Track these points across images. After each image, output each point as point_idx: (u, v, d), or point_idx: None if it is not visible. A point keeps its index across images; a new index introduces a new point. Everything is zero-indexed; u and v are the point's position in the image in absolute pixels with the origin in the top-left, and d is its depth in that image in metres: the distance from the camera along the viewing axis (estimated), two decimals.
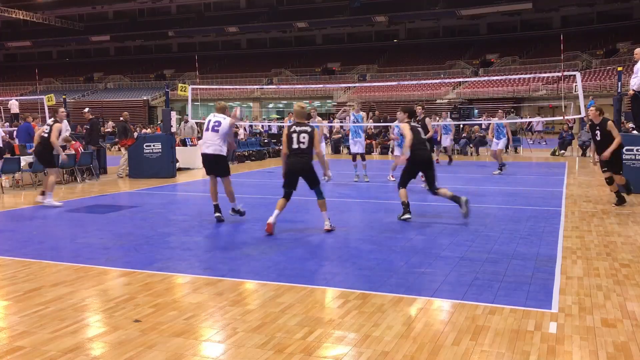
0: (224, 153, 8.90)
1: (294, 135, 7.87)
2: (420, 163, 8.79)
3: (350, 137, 14.78)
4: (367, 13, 58.23)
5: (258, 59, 63.39)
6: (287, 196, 7.95)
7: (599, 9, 54.11)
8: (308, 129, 7.92)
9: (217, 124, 8.83)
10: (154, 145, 15.35)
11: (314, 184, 7.97)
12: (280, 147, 17.73)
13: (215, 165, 8.85)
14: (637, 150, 11.57)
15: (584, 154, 21.91)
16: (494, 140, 16.11)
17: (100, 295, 5.21)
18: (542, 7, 54.22)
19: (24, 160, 13.55)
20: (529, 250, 6.71)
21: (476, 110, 36.14)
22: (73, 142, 15.18)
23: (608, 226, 8.16)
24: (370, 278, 5.64)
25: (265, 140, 24.26)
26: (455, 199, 8.53)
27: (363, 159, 14.12)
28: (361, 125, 14.26)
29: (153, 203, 10.56)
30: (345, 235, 7.71)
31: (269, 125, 28.11)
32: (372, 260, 6.31)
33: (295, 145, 7.85)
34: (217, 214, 8.82)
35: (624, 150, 11.67)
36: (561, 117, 28.97)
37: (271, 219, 7.72)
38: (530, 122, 35.18)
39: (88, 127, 15.31)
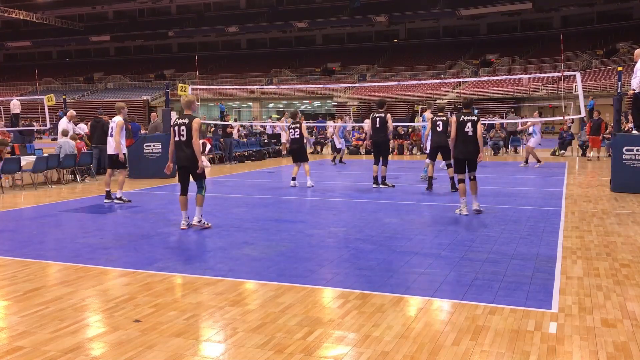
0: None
1: (175, 128, 7.77)
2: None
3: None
4: (367, 13, 58.26)
5: (258, 59, 63.41)
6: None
7: (599, 9, 54.09)
8: (186, 120, 7.68)
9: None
10: (154, 145, 15.34)
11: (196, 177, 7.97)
12: (279, 147, 17.81)
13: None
14: (637, 150, 11.57)
15: (584, 154, 21.89)
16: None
17: (100, 295, 5.21)
18: (542, 7, 54.23)
19: (24, 160, 13.54)
20: (529, 250, 6.71)
21: (476, 110, 36.12)
22: (78, 141, 15.23)
23: (608, 226, 8.16)
24: (370, 278, 5.63)
25: (265, 140, 24.24)
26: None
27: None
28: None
29: (153, 203, 10.56)
30: (345, 235, 7.71)
31: (272, 126, 28.08)
32: (372, 260, 6.30)
33: (176, 138, 7.75)
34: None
35: (624, 150, 11.71)
36: (561, 117, 28.94)
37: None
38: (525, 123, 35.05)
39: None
